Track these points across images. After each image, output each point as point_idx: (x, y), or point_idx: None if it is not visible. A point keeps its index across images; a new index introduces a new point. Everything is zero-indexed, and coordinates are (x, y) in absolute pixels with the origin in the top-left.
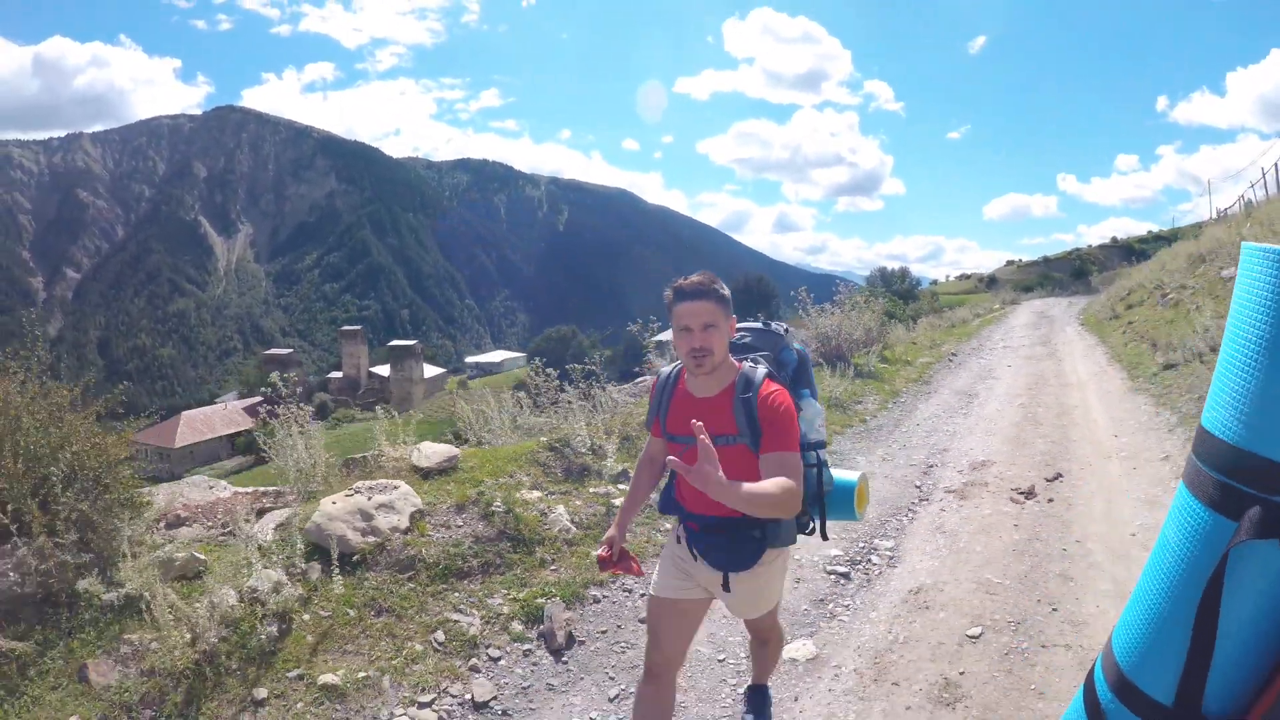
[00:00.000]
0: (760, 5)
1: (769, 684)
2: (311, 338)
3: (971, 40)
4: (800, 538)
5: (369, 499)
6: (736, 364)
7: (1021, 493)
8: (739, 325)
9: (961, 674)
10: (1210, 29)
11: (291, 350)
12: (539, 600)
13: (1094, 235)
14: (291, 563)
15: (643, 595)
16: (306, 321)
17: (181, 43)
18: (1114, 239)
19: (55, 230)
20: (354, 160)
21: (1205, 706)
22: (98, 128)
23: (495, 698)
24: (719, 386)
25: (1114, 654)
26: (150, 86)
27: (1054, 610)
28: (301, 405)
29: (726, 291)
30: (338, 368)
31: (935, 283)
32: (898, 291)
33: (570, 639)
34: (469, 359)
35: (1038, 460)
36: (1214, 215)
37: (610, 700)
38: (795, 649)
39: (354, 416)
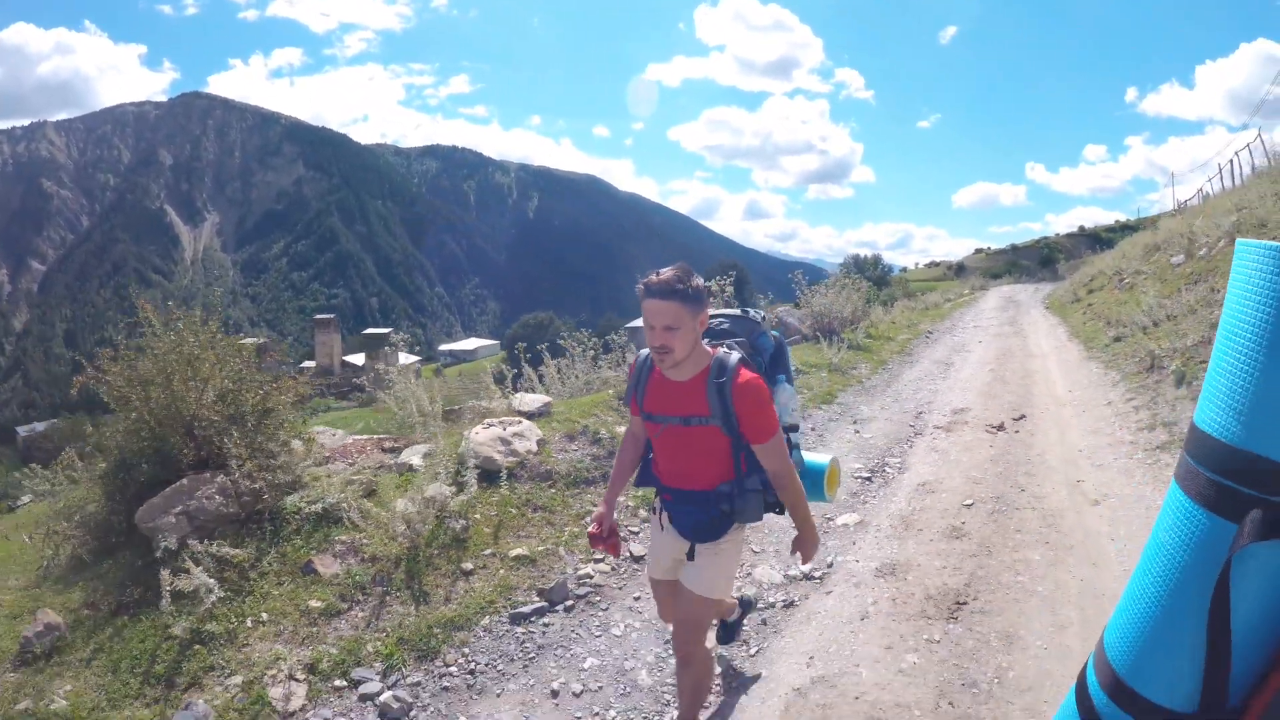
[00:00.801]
0: None
1: None
2: (280, 327)
3: (942, 30)
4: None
5: (504, 430)
6: (711, 349)
7: (994, 427)
8: (718, 312)
9: (963, 524)
10: (1180, 23)
11: (265, 339)
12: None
13: (1062, 224)
14: (458, 477)
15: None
16: (275, 311)
17: (147, 29)
18: (1081, 228)
19: (19, 221)
20: (322, 147)
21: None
22: (62, 116)
23: (644, 554)
24: (693, 371)
25: (1108, 658)
26: (115, 73)
27: (1022, 491)
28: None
29: (698, 285)
30: (309, 357)
31: (904, 270)
32: (871, 278)
33: None
34: (442, 347)
35: (1006, 407)
36: (1175, 207)
37: None
38: (844, 519)
39: (329, 405)
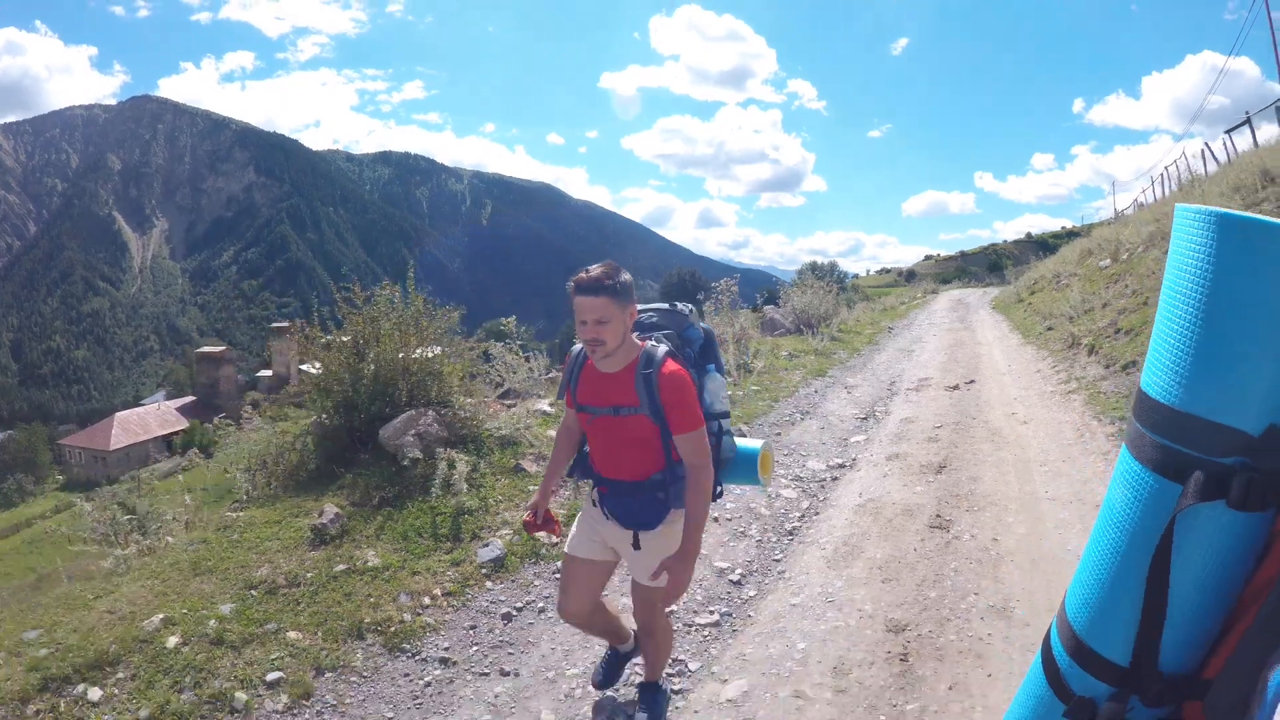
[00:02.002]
0: (687, 2)
1: (660, 680)
2: (230, 336)
3: (894, 42)
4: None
5: None
6: (640, 342)
7: (951, 387)
8: (646, 307)
9: (936, 435)
10: (1127, 35)
11: (225, 347)
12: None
13: (1010, 231)
14: None
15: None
16: (224, 320)
17: (98, 30)
18: (1029, 235)
19: None
20: (273, 152)
21: (1165, 664)
22: (10, 118)
23: None
24: (623, 363)
25: (1068, 619)
26: (65, 75)
27: (974, 419)
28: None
29: (625, 280)
30: (264, 366)
31: (856, 277)
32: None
33: None
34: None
35: (959, 376)
36: (1114, 215)
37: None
38: (857, 438)
39: (287, 415)
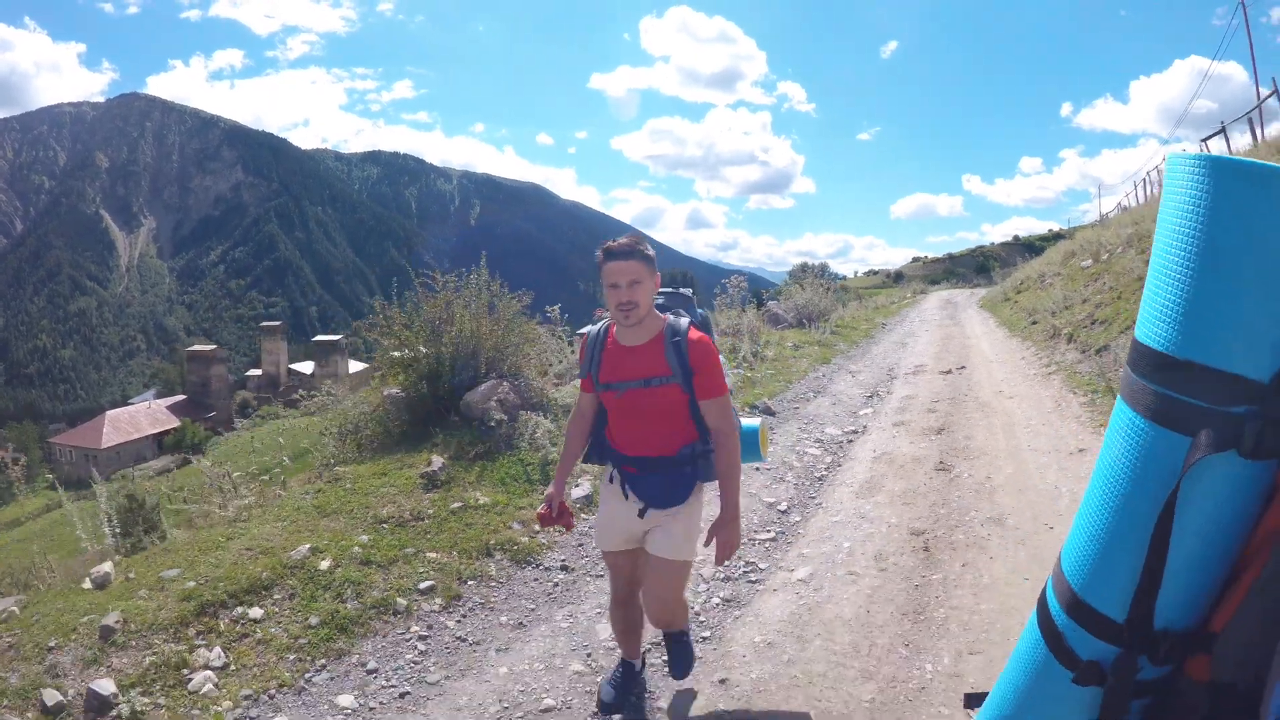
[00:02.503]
0: (678, 4)
1: (687, 626)
2: (217, 336)
3: (884, 45)
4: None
5: None
6: (662, 316)
7: (944, 372)
8: (661, 289)
9: (934, 408)
10: (1116, 39)
11: (216, 346)
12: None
13: (997, 234)
14: None
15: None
16: (211, 320)
17: (88, 26)
18: (1016, 237)
19: None
20: (261, 151)
21: (1170, 620)
22: None
23: None
24: (649, 335)
25: (1064, 575)
26: (54, 72)
27: (966, 395)
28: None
29: (651, 252)
30: (254, 365)
31: (844, 278)
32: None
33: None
34: (394, 353)
35: (951, 363)
36: (1099, 218)
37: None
38: (865, 410)
39: (277, 414)
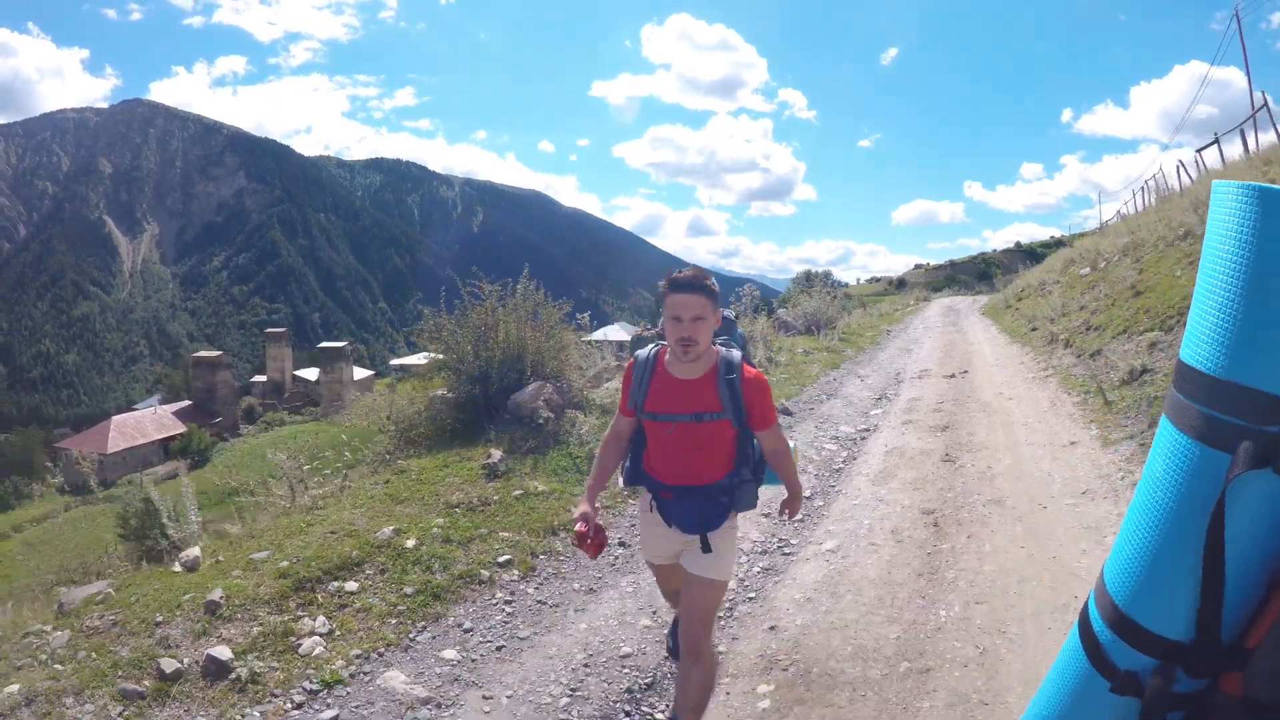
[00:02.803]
0: (678, 11)
1: None
2: (220, 342)
3: (884, 52)
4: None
5: None
6: (715, 349)
7: (948, 376)
8: None
9: (939, 408)
10: (1116, 45)
11: (221, 352)
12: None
13: (999, 240)
14: None
15: None
16: (215, 326)
17: (91, 32)
18: (1018, 244)
19: None
20: (264, 158)
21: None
22: (1, 120)
23: None
24: (703, 369)
25: (1109, 592)
26: (57, 78)
27: (969, 397)
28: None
29: (716, 287)
30: (258, 371)
31: (846, 285)
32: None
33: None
34: (393, 361)
35: (954, 367)
36: (1099, 225)
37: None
38: (875, 411)
39: (283, 420)
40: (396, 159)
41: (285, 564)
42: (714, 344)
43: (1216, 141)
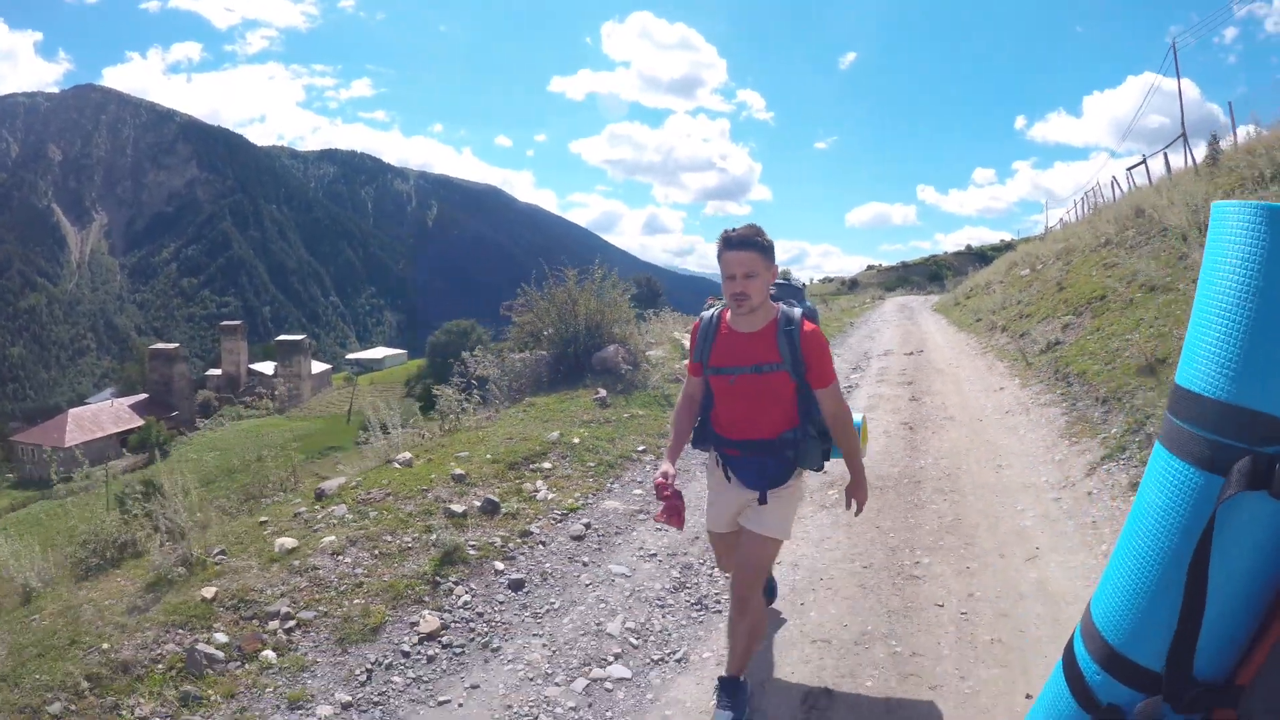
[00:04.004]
0: (640, 9)
1: (743, 676)
2: (168, 336)
3: (843, 56)
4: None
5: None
6: (775, 305)
7: (908, 353)
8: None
9: (904, 373)
10: (1070, 55)
11: (178, 345)
12: None
13: (950, 243)
14: None
15: None
16: (163, 319)
17: (45, 15)
18: (969, 247)
19: None
20: (216, 147)
21: (1198, 669)
22: None
23: None
24: (763, 322)
25: (1098, 630)
26: (8, 61)
27: (926, 366)
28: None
29: (769, 242)
30: (211, 365)
31: (805, 286)
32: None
33: None
34: (350, 355)
35: (912, 348)
36: (1044, 229)
37: None
38: (855, 376)
39: (239, 414)
40: (351, 150)
41: (489, 456)
42: (779, 302)
43: (1144, 162)
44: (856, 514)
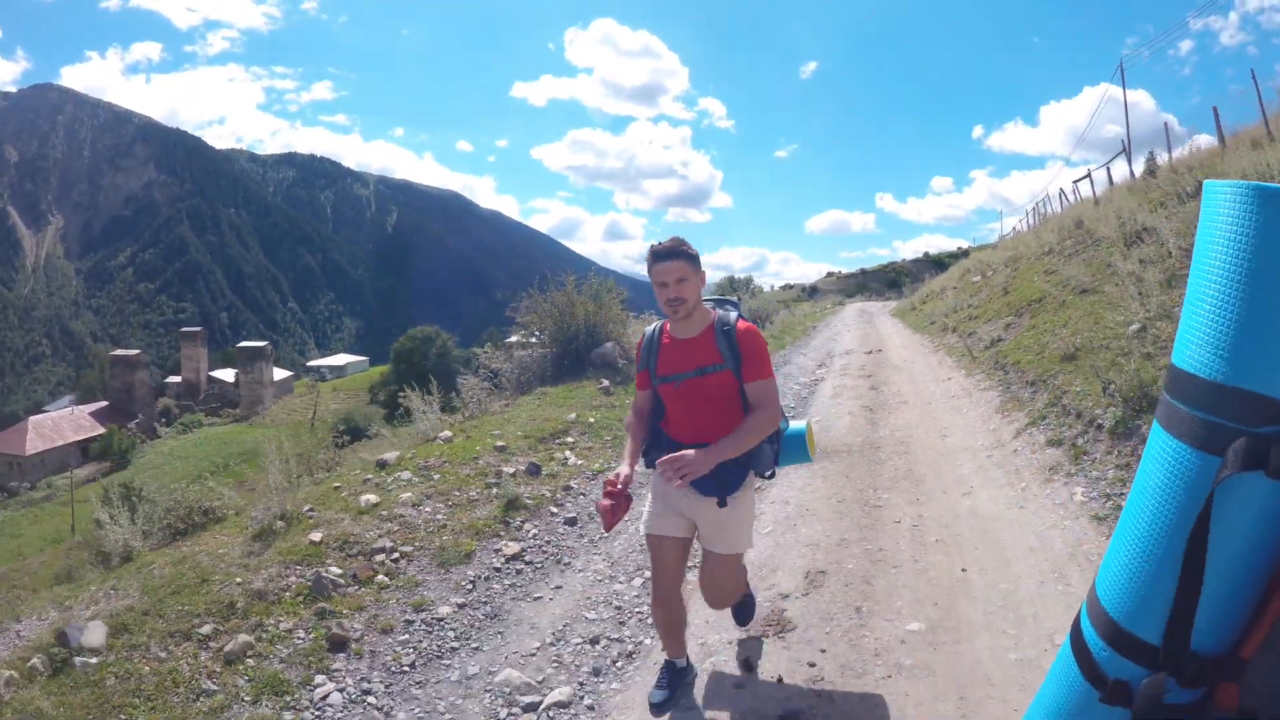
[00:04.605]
0: (603, 15)
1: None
2: (124, 342)
3: (804, 65)
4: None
5: None
6: (712, 310)
7: (867, 352)
8: (707, 297)
9: (864, 369)
10: (1028, 66)
11: (139, 351)
12: None
13: (908, 250)
14: None
15: None
16: (119, 325)
17: (3, 11)
18: (926, 254)
19: None
20: (175, 149)
21: (1199, 643)
22: None
23: None
24: (700, 327)
25: (1103, 606)
26: None
27: (884, 363)
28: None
29: (694, 251)
30: (171, 372)
31: (765, 292)
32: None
33: None
34: (312, 362)
35: (871, 347)
36: (999, 237)
37: None
38: (821, 370)
39: (200, 421)
40: (310, 154)
41: (520, 433)
42: (715, 308)
43: (1089, 176)
44: (670, 478)
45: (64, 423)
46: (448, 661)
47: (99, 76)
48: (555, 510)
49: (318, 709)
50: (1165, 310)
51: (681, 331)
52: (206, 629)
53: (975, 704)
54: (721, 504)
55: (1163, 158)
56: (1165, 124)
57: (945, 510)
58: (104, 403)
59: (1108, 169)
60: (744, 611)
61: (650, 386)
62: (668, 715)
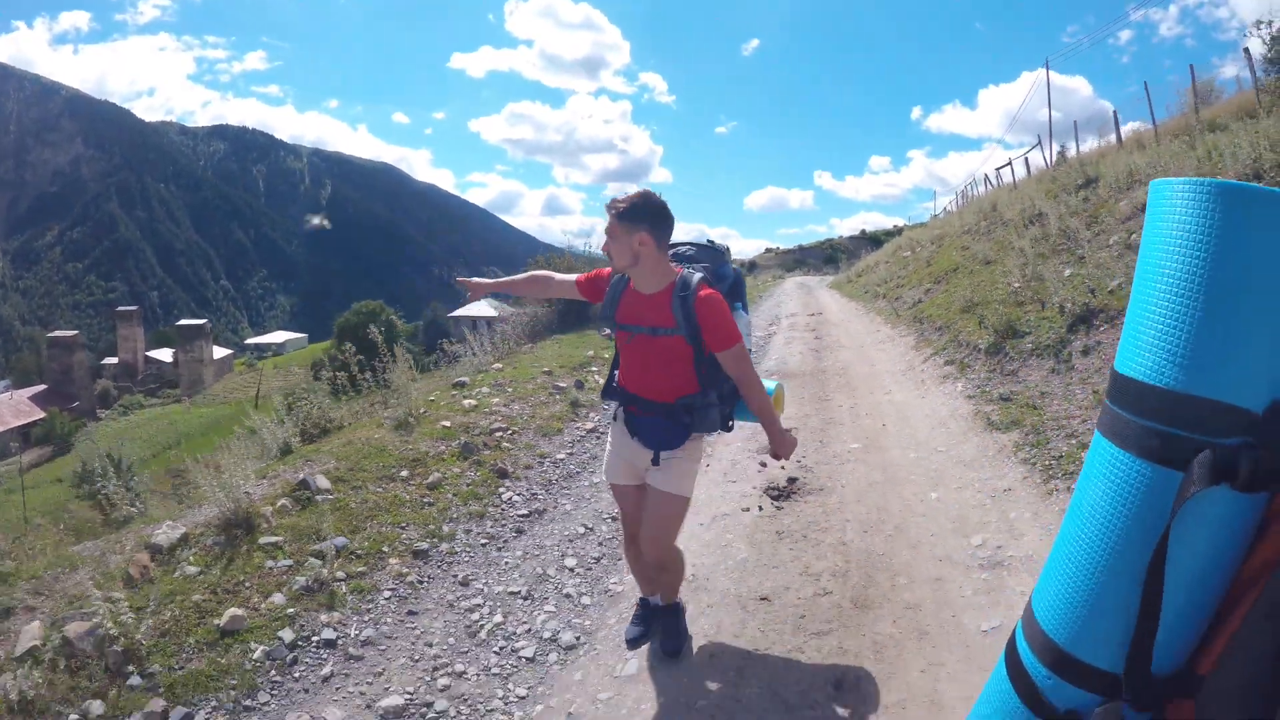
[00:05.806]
0: None
1: (678, 599)
2: (53, 324)
3: (746, 42)
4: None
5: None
6: (677, 269)
7: (810, 315)
8: (685, 241)
9: (809, 327)
10: (968, 50)
11: (77, 332)
12: None
13: (845, 227)
14: None
15: None
16: (47, 306)
17: None
18: (863, 231)
19: None
20: (103, 123)
21: (1155, 664)
22: None
23: None
24: (660, 286)
25: (1043, 630)
26: None
27: (825, 322)
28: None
29: (637, 205)
30: (99, 353)
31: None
32: None
33: None
34: (249, 340)
35: (813, 311)
36: (932, 216)
37: None
38: (771, 328)
39: (140, 403)
40: (242, 126)
41: (556, 363)
42: (683, 267)
43: (1009, 164)
44: (783, 461)
45: (3, 407)
46: (578, 477)
47: (26, 47)
48: (606, 408)
49: (507, 504)
50: (1038, 275)
51: (641, 286)
52: (404, 474)
53: (890, 473)
54: (655, 461)
55: (1072, 151)
56: (1075, 122)
57: (872, 401)
58: (42, 386)
59: (1026, 159)
60: (673, 631)
61: (588, 292)
62: (646, 646)
